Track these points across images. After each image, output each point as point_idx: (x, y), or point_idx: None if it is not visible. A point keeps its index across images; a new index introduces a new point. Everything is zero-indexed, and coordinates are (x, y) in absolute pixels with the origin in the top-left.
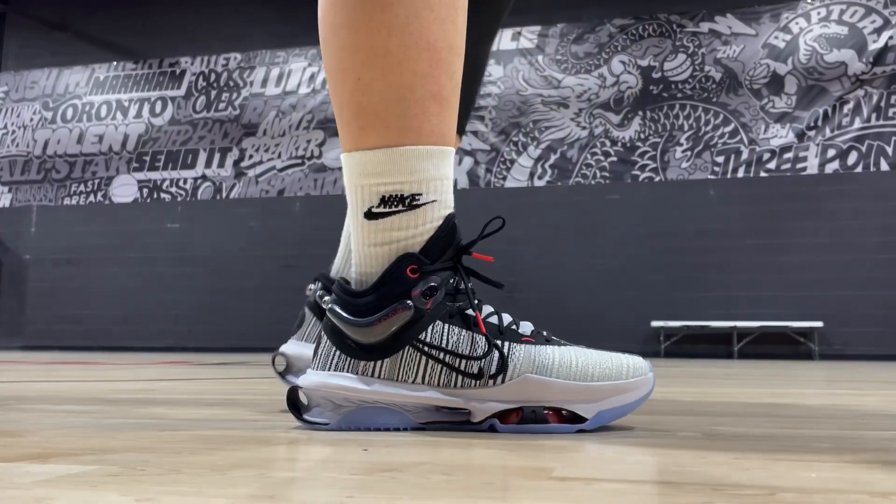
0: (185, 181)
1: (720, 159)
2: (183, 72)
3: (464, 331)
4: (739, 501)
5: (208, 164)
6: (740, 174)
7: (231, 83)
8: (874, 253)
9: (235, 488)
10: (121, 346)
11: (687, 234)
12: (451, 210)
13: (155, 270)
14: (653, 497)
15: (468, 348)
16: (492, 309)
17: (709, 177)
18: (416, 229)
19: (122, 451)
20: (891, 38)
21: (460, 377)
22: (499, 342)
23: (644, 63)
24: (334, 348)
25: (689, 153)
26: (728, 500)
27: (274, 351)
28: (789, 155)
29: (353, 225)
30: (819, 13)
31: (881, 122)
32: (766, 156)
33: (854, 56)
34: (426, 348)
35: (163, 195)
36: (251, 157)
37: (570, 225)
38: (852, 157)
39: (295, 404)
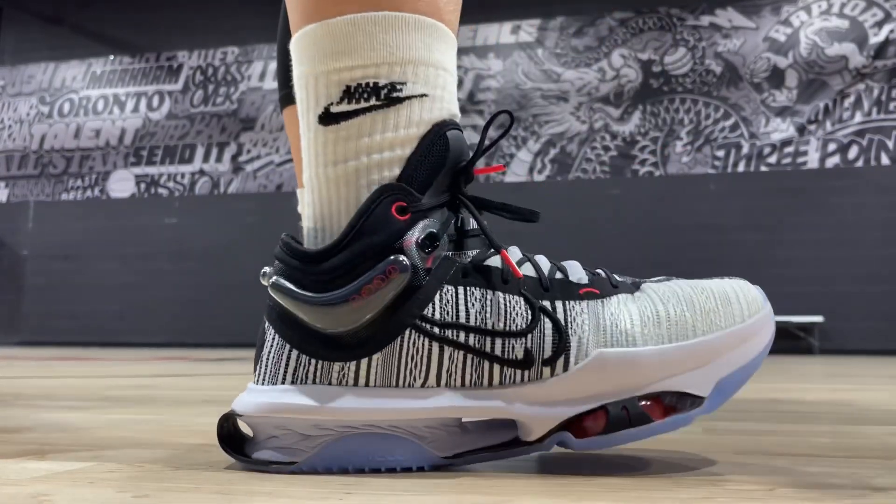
0: (183, 176)
1: (721, 153)
2: (180, 66)
3: (489, 292)
4: (739, 496)
5: (206, 158)
6: (741, 168)
7: (229, 77)
8: (875, 248)
9: (234, 485)
10: (118, 341)
11: (687, 229)
12: (449, 115)
13: (153, 266)
14: (653, 492)
15: (501, 318)
16: (520, 253)
17: (709, 171)
18: (395, 134)
19: (119, 447)
20: (892, 31)
21: (498, 368)
22: (546, 303)
23: (644, 57)
24: (287, 346)
25: (689, 147)
26: (728, 495)
27: None
28: (790, 149)
29: (303, 144)
30: (820, 6)
31: (882, 116)
32: (767, 150)
33: (855, 50)
34: (437, 330)
35: (160, 190)
36: (249, 151)
37: (571, 220)
38: (853, 152)
39: (231, 441)
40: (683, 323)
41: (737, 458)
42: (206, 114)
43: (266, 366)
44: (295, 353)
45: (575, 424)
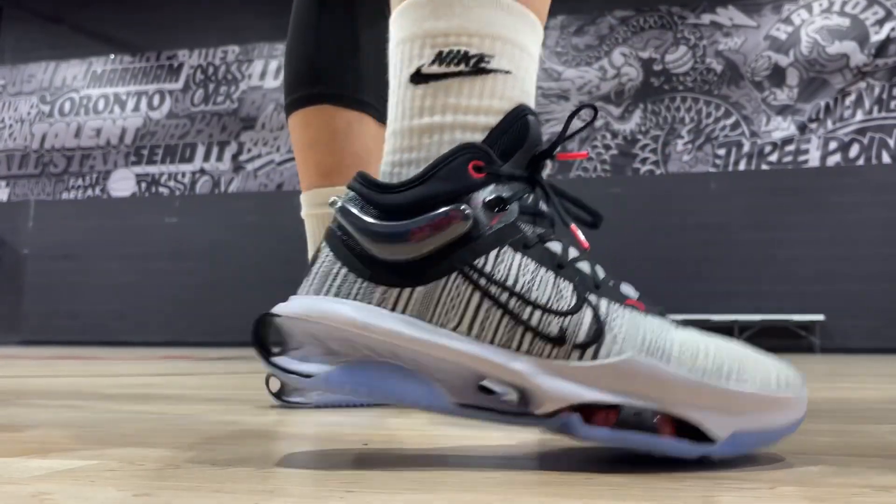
0: (184, 175)
1: (721, 152)
2: (181, 65)
3: (542, 269)
4: (741, 494)
5: (206, 157)
6: (742, 167)
7: (229, 76)
8: (876, 246)
9: (235, 483)
10: (119, 340)
11: (688, 227)
12: (529, 99)
13: (153, 265)
14: (654, 490)
15: (546, 295)
16: (580, 252)
17: (710, 170)
18: (479, 102)
19: (120, 446)
20: (893, 29)
21: (529, 336)
22: (592, 297)
23: (645, 55)
24: (338, 264)
25: (690, 146)
26: (729, 493)
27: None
28: (791, 148)
29: (391, 102)
30: (821, 4)
31: (883, 114)
32: (768, 148)
33: (856, 48)
34: (483, 281)
35: (161, 189)
36: (249, 150)
37: None
38: (854, 150)
39: (264, 342)
40: (720, 367)
41: (738, 457)
42: (206, 113)
43: (313, 278)
44: (344, 270)
45: (585, 412)
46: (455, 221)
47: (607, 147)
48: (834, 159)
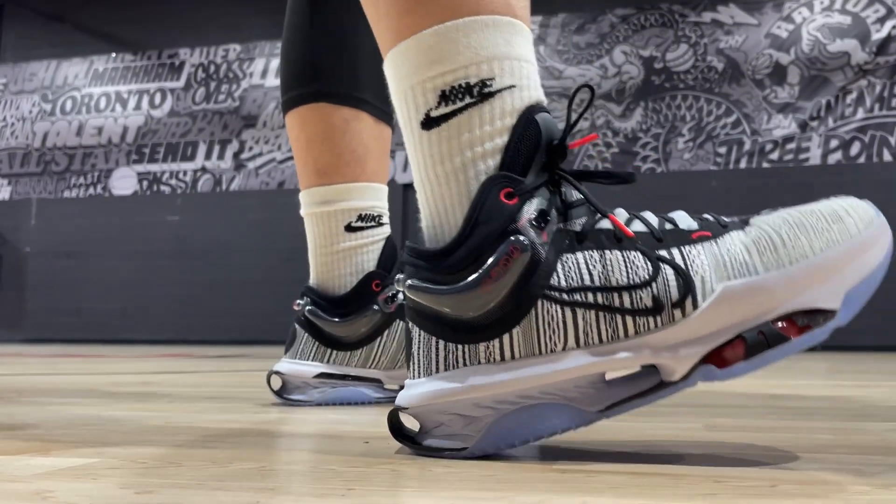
0: (185, 173)
1: (722, 150)
2: (182, 63)
3: (607, 252)
4: (741, 493)
5: (208, 156)
6: (742, 165)
7: (230, 75)
8: None
9: (236, 481)
10: (121, 338)
11: None
12: (536, 101)
13: (155, 263)
14: (655, 489)
15: (623, 274)
16: (626, 213)
17: (711, 168)
18: (492, 126)
19: (122, 444)
20: (894, 27)
21: (630, 319)
22: (663, 252)
23: (646, 53)
24: (434, 339)
25: (691, 144)
26: (730, 492)
27: (272, 344)
28: (792, 146)
29: (409, 152)
30: (822, 2)
31: (884, 112)
32: (769, 146)
33: (857, 46)
34: (565, 296)
35: (162, 187)
36: (251, 148)
37: None
38: (855, 148)
39: (403, 432)
40: (800, 245)
41: (738, 455)
42: (207, 111)
43: (418, 361)
44: (441, 343)
45: (715, 357)
46: (516, 255)
47: (608, 145)
48: (835, 157)
